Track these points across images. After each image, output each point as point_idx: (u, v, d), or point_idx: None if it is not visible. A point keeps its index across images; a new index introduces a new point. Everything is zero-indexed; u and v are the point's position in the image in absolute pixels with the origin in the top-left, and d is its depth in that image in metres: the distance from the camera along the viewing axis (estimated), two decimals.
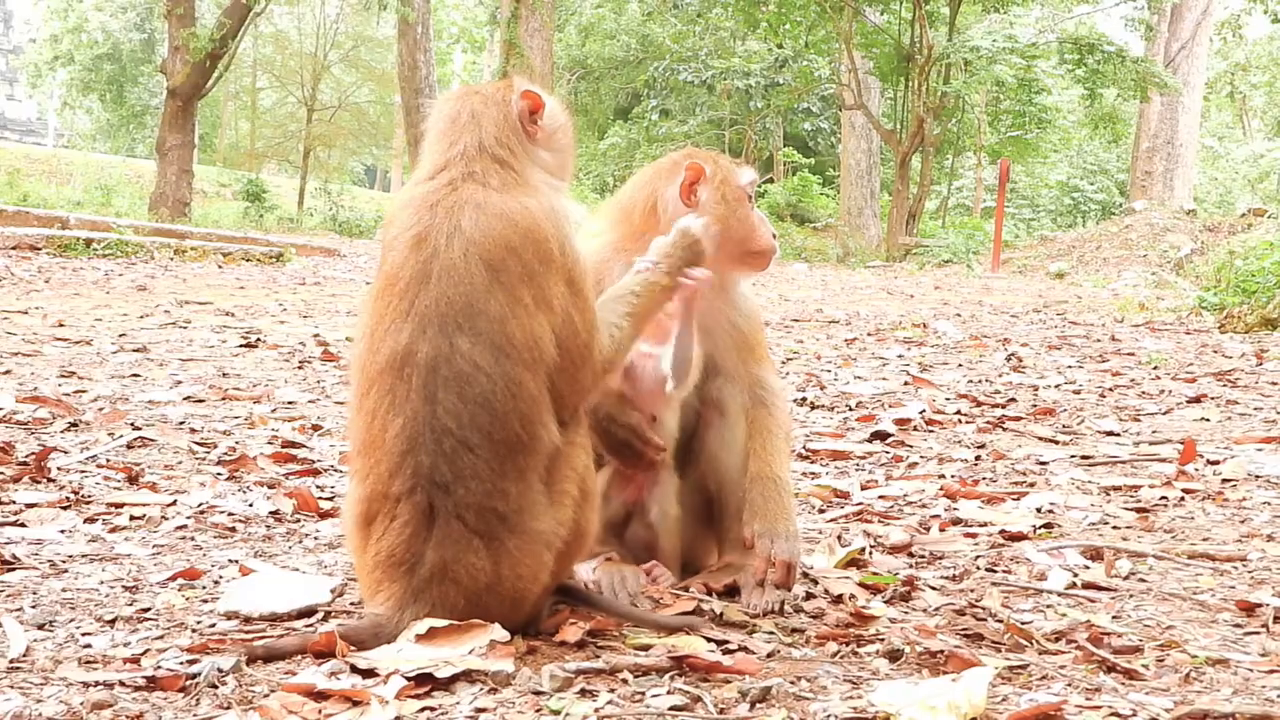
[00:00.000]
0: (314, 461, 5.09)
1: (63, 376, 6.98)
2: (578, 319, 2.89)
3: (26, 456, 4.75)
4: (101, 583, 3.30)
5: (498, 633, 2.71)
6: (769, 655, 2.86)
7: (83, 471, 4.66)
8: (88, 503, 4.20)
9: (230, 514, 4.15)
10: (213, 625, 2.99)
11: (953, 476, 5.13)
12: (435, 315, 2.74)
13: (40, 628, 2.90)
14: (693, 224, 3.22)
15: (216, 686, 2.51)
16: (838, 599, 3.34)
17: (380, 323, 2.83)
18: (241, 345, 8.97)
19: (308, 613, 3.09)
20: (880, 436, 6.01)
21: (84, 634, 2.87)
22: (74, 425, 5.52)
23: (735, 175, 3.50)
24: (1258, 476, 5.08)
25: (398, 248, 2.85)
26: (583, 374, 2.93)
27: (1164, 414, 6.88)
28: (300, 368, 8.00)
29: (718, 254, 3.40)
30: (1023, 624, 3.10)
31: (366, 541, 2.81)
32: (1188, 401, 7.30)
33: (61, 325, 9.56)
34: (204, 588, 3.31)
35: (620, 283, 3.17)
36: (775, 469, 3.40)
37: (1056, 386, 7.98)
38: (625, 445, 3.29)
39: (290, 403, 6.56)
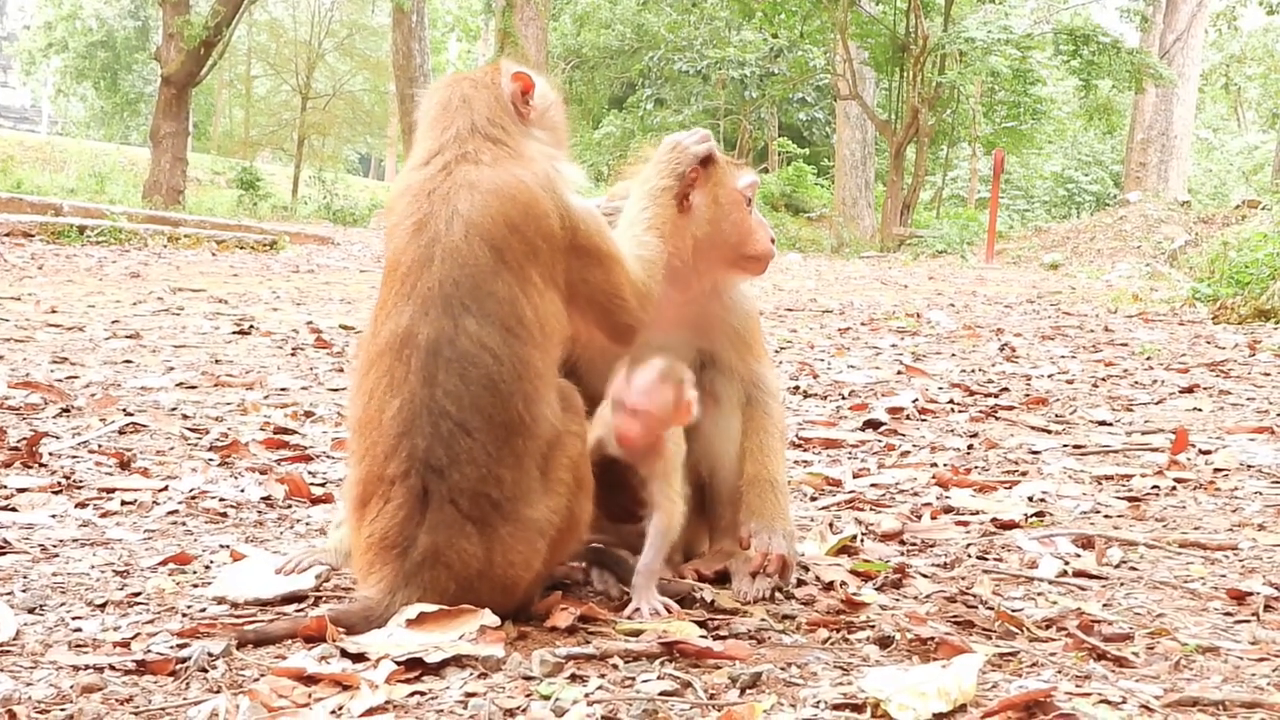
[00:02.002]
0: (306, 448, 5.09)
1: (55, 362, 6.98)
2: (598, 274, 2.96)
3: (18, 441, 4.75)
4: (92, 567, 3.30)
5: (488, 618, 2.71)
6: (760, 641, 2.87)
7: (74, 457, 4.65)
8: (79, 488, 4.20)
9: (222, 499, 4.15)
10: (203, 610, 2.99)
11: (945, 465, 5.14)
12: (439, 297, 2.75)
13: (31, 611, 2.90)
14: (677, 136, 3.36)
15: (206, 670, 2.51)
16: (829, 586, 3.34)
17: (383, 306, 2.84)
18: (234, 332, 8.97)
19: (298, 598, 3.09)
20: (873, 425, 6.01)
21: (74, 618, 2.87)
22: (66, 411, 5.51)
23: (731, 178, 3.46)
24: (1249, 466, 5.09)
25: (399, 234, 2.86)
26: (624, 314, 3.00)
27: (1156, 404, 6.89)
28: (293, 355, 8.00)
29: (712, 256, 3.40)
30: (1013, 611, 3.10)
31: (361, 523, 2.81)
32: (1180, 391, 7.30)
33: (54, 311, 9.56)
34: (195, 573, 3.31)
35: (628, 206, 3.25)
36: (772, 471, 3.39)
37: (1049, 376, 7.99)
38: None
39: (283, 389, 6.56)
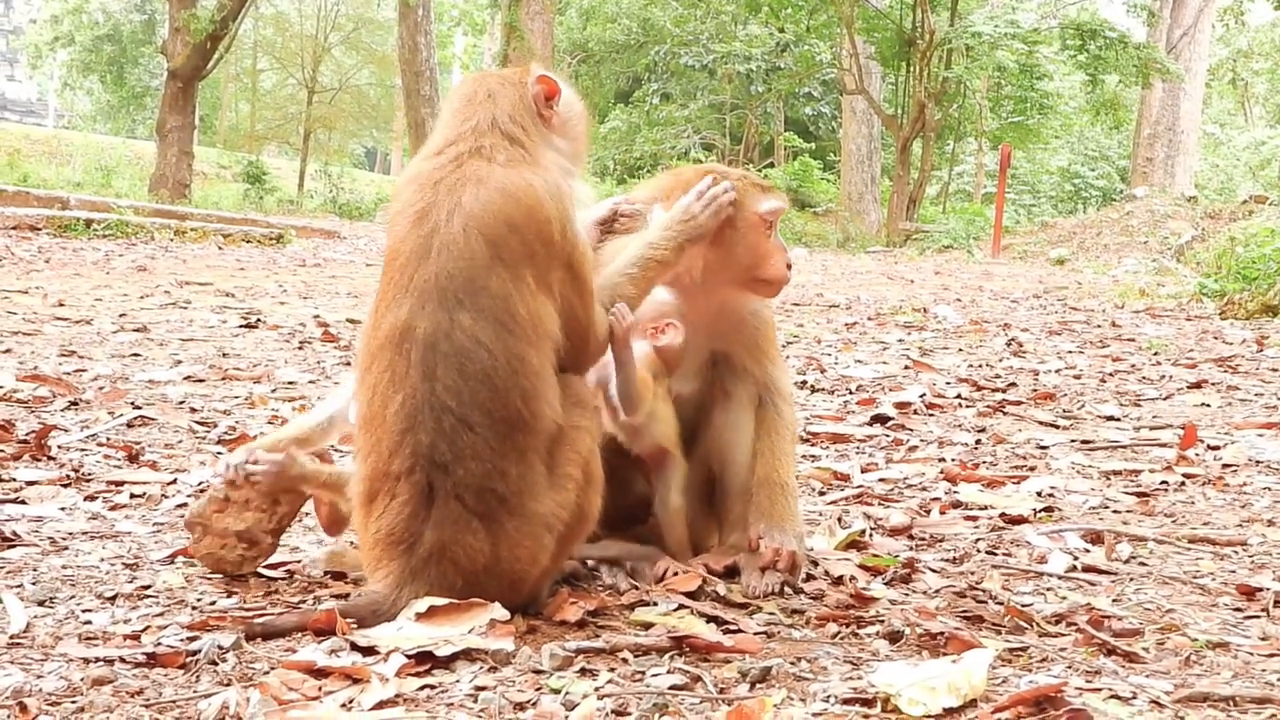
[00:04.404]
0: None
1: (63, 355, 6.98)
2: (577, 305, 2.93)
3: (27, 434, 4.75)
4: (102, 560, 3.31)
5: (498, 612, 2.71)
6: (769, 636, 2.87)
7: (83, 450, 4.66)
8: (88, 481, 4.21)
9: None
10: (213, 603, 3.00)
11: (953, 460, 5.13)
12: (435, 290, 2.74)
13: (41, 604, 2.91)
14: (694, 204, 3.24)
15: (216, 663, 2.52)
16: (838, 580, 3.34)
17: (383, 297, 2.84)
18: (241, 326, 8.97)
19: None
20: (880, 420, 6.01)
21: (84, 611, 2.88)
22: (74, 404, 5.52)
23: (753, 201, 3.42)
24: (1258, 462, 5.08)
25: (400, 223, 2.86)
26: (582, 355, 2.99)
27: (1164, 399, 6.88)
28: (300, 348, 8.00)
29: (723, 276, 3.39)
30: (1023, 606, 3.11)
31: (368, 518, 2.81)
32: (1188, 387, 7.29)
33: (62, 305, 9.55)
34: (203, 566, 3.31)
35: (626, 253, 3.20)
36: (782, 474, 3.39)
37: (1057, 371, 7.98)
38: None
39: (290, 383, 6.56)
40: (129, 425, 5.19)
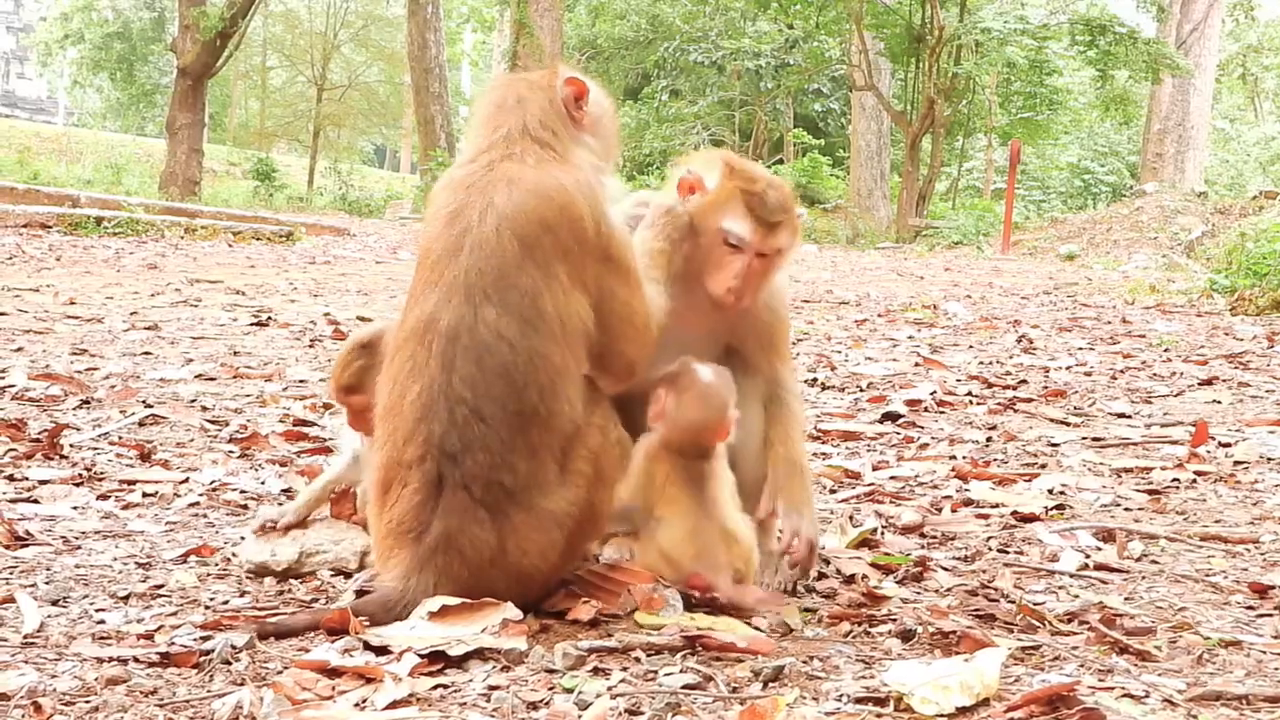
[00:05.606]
0: (325, 439, 5.09)
1: (74, 354, 7.00)
2: (621, 291, 2.93)
3: (39, 433, 4.76)
4: (115, 559, 3.32)
5: (510, 611, 2.72)
6: (782, 634, 2.87)
7: (95, 448, 4.67)
8: (100, 479, 4.22)
9: (242, 491, 4.17)
10: (226, 602, 3.00)
11: (964, 457, 5.13)
12: (462, 285, 2.77)
13: (54, 604, 2.92)
14: (668, 200, 3.27)
15: (230, 663, 2.52)
16: (850, 579, 3.35)
17: (412, 294, 2.87)
18: (252, 324, 8.98)
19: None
20: (891, 417, 6.00)
21: (98, 610, 2.89)
22: (86, 403, 5.53)
23: (719, 215, 3.32)
24: (1269, 459, 5.07)
25: (433, 224, 2.89)
26: (630, 344, 2.96)
27: (1175, 396, 6.87)
28: (311, 346, 8.00)
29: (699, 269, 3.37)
30: (1035, 605, 3.11)
31: (382, 509, 2.83)
32: (1199, 384, 7.28)
33: (73, 303, 9.57)
34: (216, 565, 3.32)
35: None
36: (797, 455, 3.39)
37: (1067, 368, 7.97)
38: None
39: (301, 381, 6.56)
40: (141, 424, 5.20)
